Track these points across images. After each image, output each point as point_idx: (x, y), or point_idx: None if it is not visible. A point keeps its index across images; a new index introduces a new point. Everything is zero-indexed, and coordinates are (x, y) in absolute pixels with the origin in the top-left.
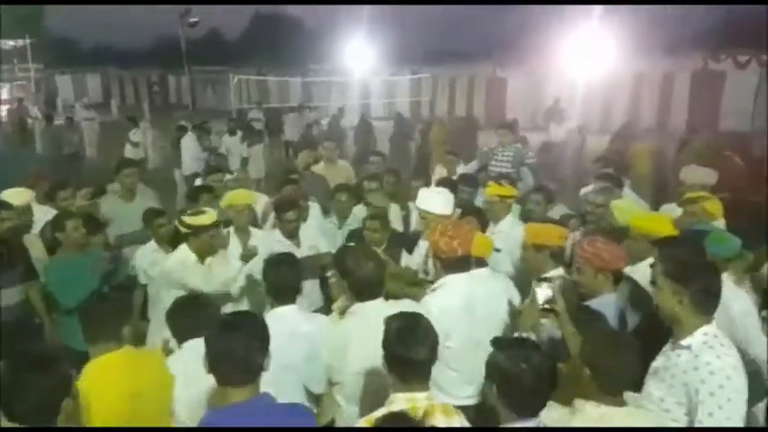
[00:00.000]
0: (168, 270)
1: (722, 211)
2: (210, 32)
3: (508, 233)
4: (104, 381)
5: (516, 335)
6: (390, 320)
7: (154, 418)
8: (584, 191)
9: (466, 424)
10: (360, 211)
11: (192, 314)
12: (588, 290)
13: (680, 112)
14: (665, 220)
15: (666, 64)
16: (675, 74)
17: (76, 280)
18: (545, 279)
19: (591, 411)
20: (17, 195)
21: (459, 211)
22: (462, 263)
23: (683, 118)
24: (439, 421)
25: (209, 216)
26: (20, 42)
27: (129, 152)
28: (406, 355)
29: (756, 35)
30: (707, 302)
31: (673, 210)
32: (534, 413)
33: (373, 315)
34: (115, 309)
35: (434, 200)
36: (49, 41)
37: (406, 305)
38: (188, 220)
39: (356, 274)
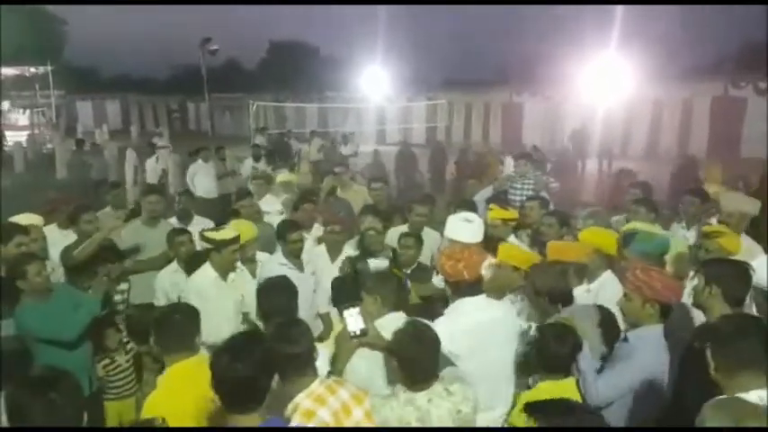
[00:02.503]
0: (191, 288)
1: (740, 248)
2: (229, 60)
3: None
4: (183, 387)
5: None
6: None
7: None
8: (615, 218)
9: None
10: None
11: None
12: (633, 318)
13: (700, 138)
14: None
15: (686, 90)
16: (695, 100)
17: (64, 316)
18: (352, 305)
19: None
20: (25, 220)
21: None
22: (472, 287)
23: (703, 144)
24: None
25: (230, 231)
26: (41, 69)
27: (151, 177)
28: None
29: None
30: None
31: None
32: None
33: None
34: (187, 318)
35: (463, 229)
36: (70, 68)
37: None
38: (210, 235)
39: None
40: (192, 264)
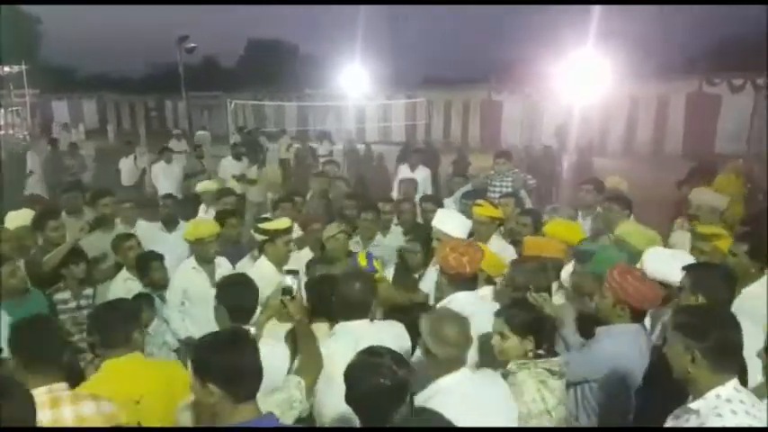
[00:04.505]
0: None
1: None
2: (207, 58)
3: (498, 253)
4: (109, 385)
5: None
6: None
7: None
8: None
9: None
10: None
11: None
12: (602, 315)
13: (676, 134)
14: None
15: (662, 87)
16: (671, 97)
17: None
18: (291, 271)
19: None
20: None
21: None
22: (470, 281)
23: (678, 141)
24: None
25: (284, 221)
26: (15, 68)
27: (127, 178)
28: None
29: (750, 59)
30: (722, 359)
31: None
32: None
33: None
34: (124, 315)
35: (451, 222)
36: (45, 67)
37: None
38: (264, 225)
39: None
40: (142, 268)
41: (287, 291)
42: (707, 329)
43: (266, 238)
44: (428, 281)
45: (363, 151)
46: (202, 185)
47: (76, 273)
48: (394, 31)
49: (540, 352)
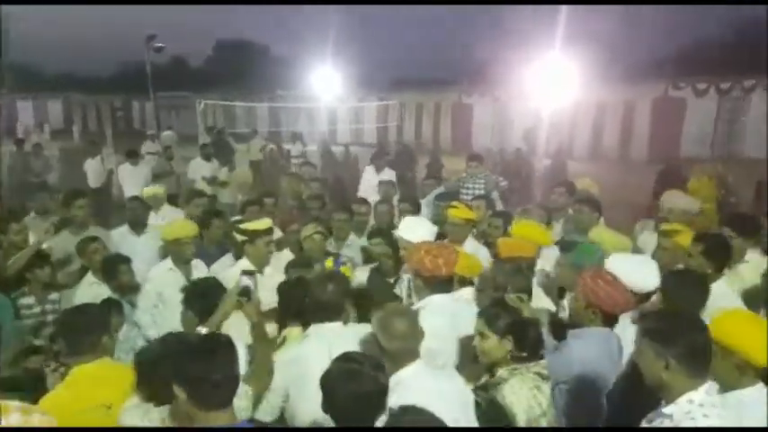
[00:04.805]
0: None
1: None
2: (175, 58)
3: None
4: (79, 391)
5: None
6: None
7: None
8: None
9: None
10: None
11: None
12: (574, 317)
13: (642, 138)
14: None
15: (628, 91)
16: (637, 101)
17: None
18: (248, 272)
19: None
20: None
21: None
22: (446, 283)
23: (644, 144)
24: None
25: (264, 222)
26: None
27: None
28: None
29: (714, 63)
30: (695, 364)
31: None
32: None
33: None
34: (91, 320)
35: (416, 230)
36: (9, 66)
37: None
38: (244, 226)
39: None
40: (109, 271)
41: (244, 292)
42: (676, 334)
43: (246, 238)
44: (404, 286)
45: (341, 153)
46: (148, 190)
47: (41, 276)
48: (366, 32)
49: (524, 354)
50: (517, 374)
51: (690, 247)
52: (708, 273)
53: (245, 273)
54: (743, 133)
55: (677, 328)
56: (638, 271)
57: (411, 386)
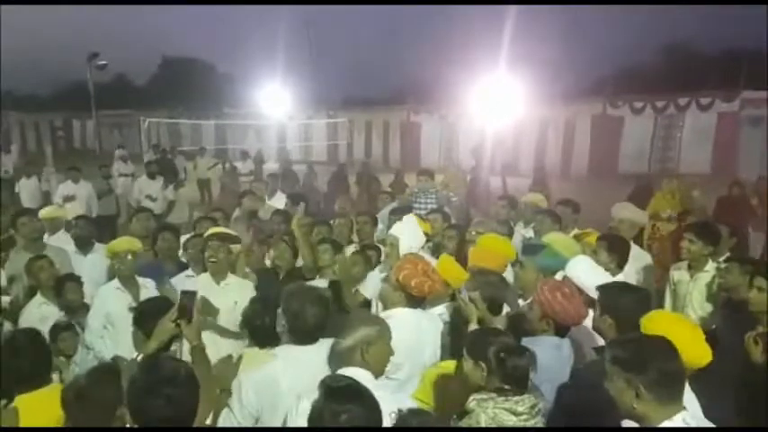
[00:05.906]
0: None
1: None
2: (118, 76)
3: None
4: (35, 417)
5: None
6: None
7: None
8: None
9: None
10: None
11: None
12: (529, 326)
13: (582, 154)
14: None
15: (569, 110)
16: (577, 119)
17: None
18: (187, 292)
19: None
20: None
21: None
22: (421, 300)
23: (584, 160)
24: None
25: (226, 232)
26: None
27: (28, 200)
28: None
29: (650, 82)
30: (667, 391)
31: None
32: None
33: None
34: (38, 347)
35: (413, 238)
36: None
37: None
38: (211, 230)
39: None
40: (58, 289)
41: (182, 313)
42: (645, 361)
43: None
44: (369, 286)
45: (306, 171)
46: (45, 211)
47: None
48: (314, 50)
49: (506, 387)
50: (482, 405)
51: (596, 245)
52: (610, 267)
53: (185, 293)
54: (677, 150)
55: (646, 354)
56: (596, 272)
57: (401, 322)
